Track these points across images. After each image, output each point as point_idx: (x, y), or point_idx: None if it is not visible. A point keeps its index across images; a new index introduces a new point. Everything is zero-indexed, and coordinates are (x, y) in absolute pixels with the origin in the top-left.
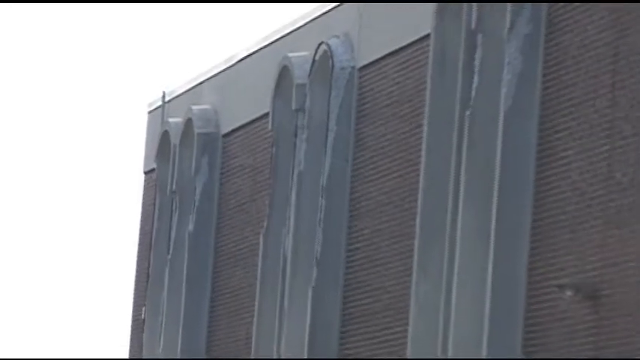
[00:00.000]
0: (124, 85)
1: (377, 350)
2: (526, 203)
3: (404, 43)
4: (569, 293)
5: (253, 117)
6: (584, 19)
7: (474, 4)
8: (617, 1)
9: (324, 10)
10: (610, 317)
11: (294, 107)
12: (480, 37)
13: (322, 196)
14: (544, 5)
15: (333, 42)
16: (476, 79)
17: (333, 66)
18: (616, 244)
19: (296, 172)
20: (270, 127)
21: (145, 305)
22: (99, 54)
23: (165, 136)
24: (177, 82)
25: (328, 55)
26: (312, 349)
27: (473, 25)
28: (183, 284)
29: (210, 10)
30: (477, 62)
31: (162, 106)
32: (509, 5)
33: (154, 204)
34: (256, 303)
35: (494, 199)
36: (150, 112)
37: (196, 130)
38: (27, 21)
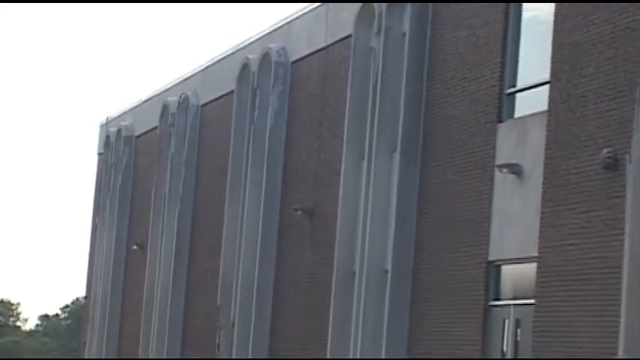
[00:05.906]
0: (91, 112)
1: (207, 240)
2: (278, 170)
3: (222, 93)
4: (299, 212)
5: (150, 128)
6: (310, 80)
7: (255, 73)
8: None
9: (184, 78)
10: (320, 225)
11: (169, 124)
12: (258, 92)
13: (182, 167)
14: (288, 76)
15: (188, 93)
16: (256, 113)
17: (188, 105)
18: (323, 188)
19: (169, 156)
20: (158, 133)
21: (97, 217)
22: (76, 94)
23: (108, 138)
24: (114, 112)
25: (187, 99)
26: (179, 239)
27: (255, 86)
28: (116, 208)
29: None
30: (256, 105)
31: (106, 123)
32: (272, 75)
33: (102, 170)
34: (150, 218)
35: (264, 169)
36: (101, 126)
37: (123, 134)
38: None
